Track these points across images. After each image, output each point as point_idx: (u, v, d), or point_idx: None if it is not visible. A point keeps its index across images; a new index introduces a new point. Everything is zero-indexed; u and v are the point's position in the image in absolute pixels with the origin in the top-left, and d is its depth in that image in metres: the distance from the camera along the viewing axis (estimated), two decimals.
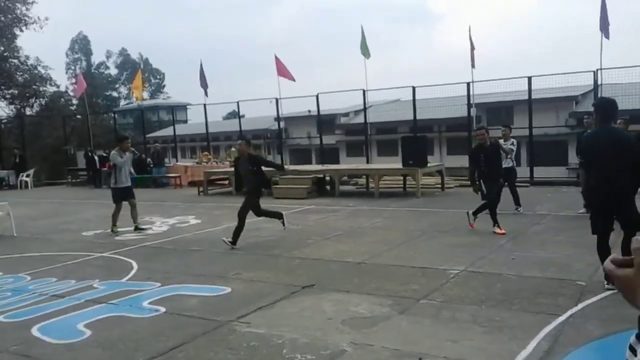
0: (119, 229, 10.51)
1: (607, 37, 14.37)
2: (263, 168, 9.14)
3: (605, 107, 5.57)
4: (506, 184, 10.33)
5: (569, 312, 4.87)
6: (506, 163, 10.45)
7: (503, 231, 8.58)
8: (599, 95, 14.82)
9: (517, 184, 11.20)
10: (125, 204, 10.69)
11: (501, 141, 10.63)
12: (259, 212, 9.10)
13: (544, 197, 12.83)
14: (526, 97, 16.58)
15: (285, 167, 10.86)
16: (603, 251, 5.43)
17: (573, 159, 11.99)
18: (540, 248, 7.60)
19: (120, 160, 10.42)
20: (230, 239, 8.49)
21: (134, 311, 5.51)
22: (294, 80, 20.12)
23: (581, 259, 6.83)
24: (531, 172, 16.17)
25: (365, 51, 19.08)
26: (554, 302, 5.21)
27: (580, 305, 5.04)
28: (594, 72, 15.06)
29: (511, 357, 3.99)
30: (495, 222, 8.75)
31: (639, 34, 67.61)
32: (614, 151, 5.26)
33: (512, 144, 10.86)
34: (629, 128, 9.32)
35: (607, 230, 5.54)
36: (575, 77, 16.73)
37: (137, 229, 10.60)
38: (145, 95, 26.78)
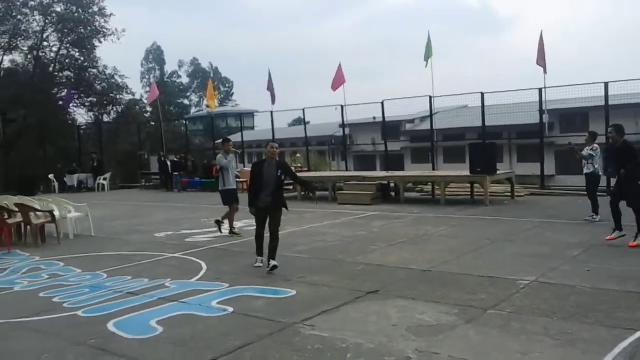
0: (236, 231, 10.59)
1: None
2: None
3: None
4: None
5: None
6: (586, 168, 10.49)
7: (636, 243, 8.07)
8: None
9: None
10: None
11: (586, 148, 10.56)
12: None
13: (622, 205, 12.18)
14: (602, 103, 15.85)
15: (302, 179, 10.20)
16: None
17: None
18: (619, 260, 7.23)
19: (225, 161, 10.41)
20: (260, 261, 7.67)
21: (204, 310, 5.68)
22: (334, 89, 20.28)
23: None
24: (608, 180, 15.41)
25: (427, 55, 18.82)
26: (632, 316, 4.95)
27: None
28: None
29: None
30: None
31: None
32: None
33: (592, 149, 10.48)
34: None
35: None
36: None
37: (231, 233, 10.56)
38: (215, 103, 27.48)
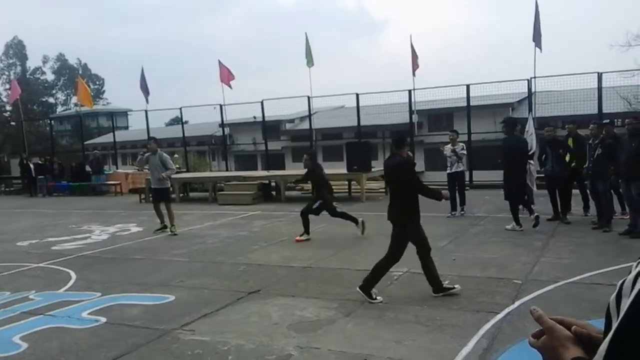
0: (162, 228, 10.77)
1: (540, 48, 15.07)
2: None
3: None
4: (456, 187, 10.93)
5: (507, 310, 5.06)
6: (457, 167, 10.99)
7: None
8: (534, 102, 15.54)
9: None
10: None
11: (448, 146, 11.06)
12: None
13: (481, 200, 13.27)
14: (465, 104, 17.12)
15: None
16: None
17: None
18: (480, 249, 7.86)
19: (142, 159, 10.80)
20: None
21: (73, 322, 5.33)
22: (229, 84, 20.07)
23: (518, 258, 7.12)
24: (470, 175, 16.67)
25: (309, 59, 19.24)
26: (493, 300, 5.40)
27: (516, 303, 5.25)
28: (527, 80, 15.74)
29: (452, 355, 4.11)
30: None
31: (567, 43, 71.10)
32: None
33: (463, 148, 11.16)
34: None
35: None
36: (511, 85, 17.43)
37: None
38: (91, 100, 25.66)
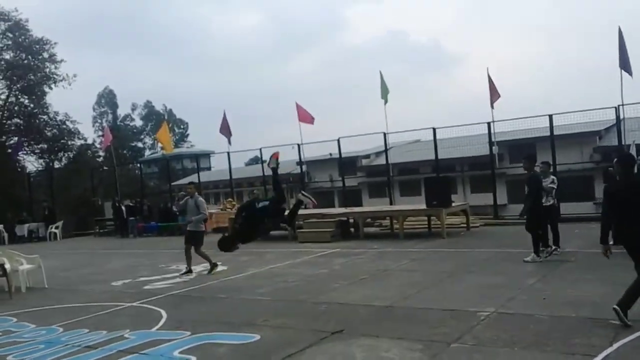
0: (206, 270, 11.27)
1: (630, 73, 14.43)
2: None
3: None
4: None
5: (604, 353, 4.77)
6: (546, 201, 10.16)
7: None
8: (623, 129, 14.80)
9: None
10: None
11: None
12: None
13: (571, 233, 12.63)
14: (548, 134, 16.55)
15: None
16: None
17: (600, 193, 11.85)
18: (572, 287, 7.47)
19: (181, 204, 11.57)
20: None
21: None
22: (312, 122, 20.57)
23: (614, 297, 6.69)
24: (558, 208, 15.97)
25: (384, 95, 19.39)
26: (588, 342, 5.10)
27: (615, 345, 4.93)
28: (615, 107, 15.06)
29: None
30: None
31: None
32: None
33: (553, 181, 10.46)
34: None
35: None
36: (598, 113, 16.69)
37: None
38: (171, 145, 27.23)
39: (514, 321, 6.01)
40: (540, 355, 4.88)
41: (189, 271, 11.14)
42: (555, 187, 10.43)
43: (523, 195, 11.55)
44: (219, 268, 11.21)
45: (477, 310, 6.51)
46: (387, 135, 19.13)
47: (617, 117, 15.14)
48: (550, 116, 16.25)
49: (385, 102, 19.44)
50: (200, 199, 11.43)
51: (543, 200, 10.09)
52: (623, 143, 13.79)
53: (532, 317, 6.10)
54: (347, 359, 5.19)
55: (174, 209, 11.52)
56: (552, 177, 10.59)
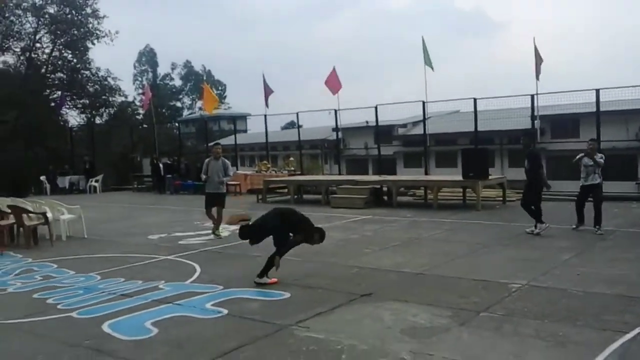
0: (220, 232, 10.83)
1: None
2: None
3: None
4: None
5: (636, 330, 4.69)
6: (593, 179, 9.94)
7: None
8: None
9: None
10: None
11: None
12: None
13: (611, 213, 12.32)
14: (594, 110, 16.00)
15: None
16: None
17: None
18: (608, 264, 7.33)
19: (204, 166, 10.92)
20: None
21: (198, 312, 5.71)
22: (337, 90, 20.41)
23: None
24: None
25: (428, 62, 18.98)
26: (621, 319, 5.02)
27: None
28: None
29: None
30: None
31: None
32: None
33: (601, 158, 10.06)
34: None
35: None
36: None
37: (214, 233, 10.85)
38: (215, 106, 27.43)
39: (546, 295, 5.95)
40: (571, 329, 4.83)
41: (217, 234, 10.78)
42: (601, 165, 9.93)
43: (563, 171, 11.31)
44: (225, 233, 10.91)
45: (508, 282, 6.46)
46: (425, 104, 18.81)
47: None
48: (597, 90, 15.66)
49: (432, 69, 19.04)
50: (227, 161, 11.09)
51: (589, 179, 9.91)
52: None
53: (565, 291, 6.03)
54: (375, 321, 5.25)
55: (202, 177, 10.98)
56: (599, 154, 10.16)
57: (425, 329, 4.97)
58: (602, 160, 9.99)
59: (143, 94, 36.15)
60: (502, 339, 4.65)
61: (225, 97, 76.22)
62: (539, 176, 10.09)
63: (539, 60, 17.20)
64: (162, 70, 74.83)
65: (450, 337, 4.75)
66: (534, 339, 4.64)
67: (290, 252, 8.93)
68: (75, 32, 33.29)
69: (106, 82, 34.79)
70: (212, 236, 10.69)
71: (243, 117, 49.50)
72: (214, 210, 10.80)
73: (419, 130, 24.17)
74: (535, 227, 9.84)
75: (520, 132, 20.52)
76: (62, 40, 33.44)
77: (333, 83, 20.92)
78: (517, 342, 4.57)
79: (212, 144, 11.56)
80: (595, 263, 7.47)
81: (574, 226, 10.09)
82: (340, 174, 23.40)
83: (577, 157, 10.19)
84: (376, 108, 20.27)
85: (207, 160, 11.01)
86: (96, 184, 25.50)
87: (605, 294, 5.89)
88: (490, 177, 14.93)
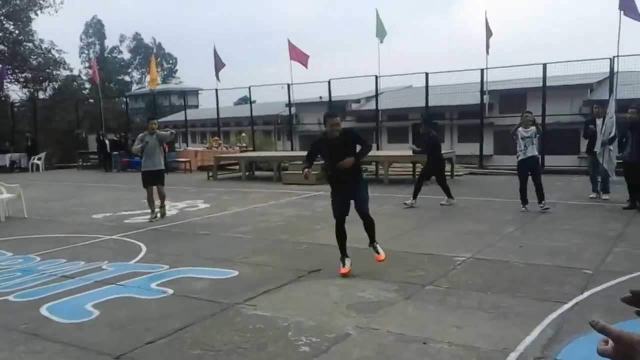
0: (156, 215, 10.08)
1: (632, 16, 13.60)
2: None
3: None
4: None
5: (575, 300, 4.85)
6: (531, 151, 9.66)
7: None
8: (615, 83, 14.63)
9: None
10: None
11: (521, 129, 9.69)
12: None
13: (553, 186, 12.72)
14: (540, 85, 16.39)
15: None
16: None
17: (584, 147, 11.85)
18: (549, 237, 7.56)
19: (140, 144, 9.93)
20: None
21: (142, 292, 5.57)
22: (306, 65, 20.15)
23: (590, 248, 6.81)
24: (542, 160, 16.04)
25: (381, 33, 18.83)
26: (561, 290, 5.19)
27: (585, 294, 5.02)
28: (610, 59, 14.83)
29: (515, 343, 3.99)
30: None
31: None
32: None
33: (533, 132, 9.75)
34: None
35: None
36: (592, 64, 16.51)
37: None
38: (158, 80, 26.78)
39: (489, 267, 6.09)
40: (513, 300, 4.96)
41: (155, 215, 10.08)
42: (530, 137, 9.61)
43: (510, 146, 11.52)
44: (202, 206, 10.80)
45: (454, 256, 6.58)
46: (378, 78, 18.83)
47: (611, 69, 14.95)
48: (544, 65, 16.04)
49: (381, 41, 18.95)
50: (161, 132, 10.29)
51: (528, 152, 9.59)
52: (610, 99, 13.66)
53: (508, 263, 6.19)
54: (322, 297, 5.25)
55: (133, 151, 10.29)
56: (532, 127, 9.75)
57: (371, 304, 5.00)
58: (535, 129, 9.67)
59: (90, 67, 34.84)
60: (446, 311, 4.73)
61: (176, 71, 74.44)
62: (438, 161, 11.07)
63: (489, 33, 17.41)
64: (110, 42, 72.22)
65: (396, 311, 4.80)
66: (477, 310, 4.74)
67: (240, 229, 8.88)
68: (17, 1, 31.60)
69: (50, 55, 33.24)
70: (158, 216, 10.30)
71: (194, 92, 48.47)
72: (155, 190, 10.03)
73: (371, 105, 24.23)
74: (414, 199, 10.73)
75: (471, 107, 20.90)
76: (3, 10, 31.67)
77: (299, 56, 20.53)
78: (461, 314, 4.66)
79: (149, 118, 10.50)
80: (537, 235, 7.69)
81: (522, 209, 9.71)
82: (293, 150, 23.29)
83: (513, 128, 9.86)
84: (329, 83, 20.19)
85: (140, 135, 10.07)
86: (39, 162, 24.53)
87: (546, 265, 6.07)
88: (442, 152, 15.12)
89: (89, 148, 25.52)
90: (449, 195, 10.77)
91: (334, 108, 23.07)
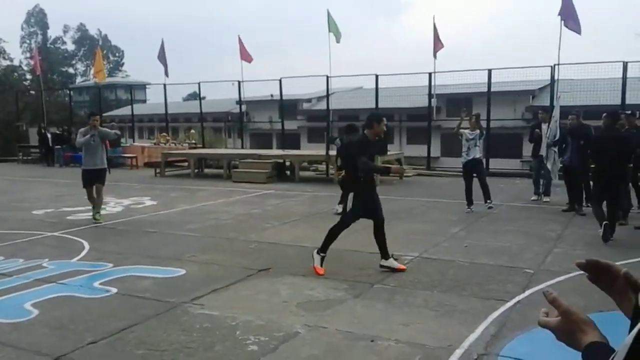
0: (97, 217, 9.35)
1: (577, 31, 14.14)
2: None
3: None
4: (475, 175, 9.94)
5: (516, 299, 5.02)
6: (475, 153, 9.83)
7: None
8: (556, 90, 15.21)
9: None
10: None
11: (467, 130, 9.91)
12: None
13: (497, 188, 13.10)
14: (485, 90, 16.87)
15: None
16: None
17: (527, 151, 12.30)
18: (492, 237, 7.79)
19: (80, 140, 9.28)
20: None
21: (85, 291, 5.40)
22: (249, 60, 20.10)
23: (531, 248, 7.06)
24: (487, 163, 16.51)
25: (336, 33, 18.83)
26: (503, 288, 5.36)
27: (527, 292, 5.20)
28: (551, 67, 15.42)
29: (460, 340, 4.09)
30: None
31: (596, 32, 69.60)
32: None
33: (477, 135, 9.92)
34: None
35: None
36: (534, 71, 17.13)
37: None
38: (105, 74, 25.97)
39: (435, 266, 6.22)
40: (457, 298, 5.08)
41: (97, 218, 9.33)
42: (474, 139, 9.82)
43: (456, 147, 11.77)
44: (149, 203, 10.52)
45: (402, 255, 6.68)
46: (329, 79, 18.89)
47: (552, 76, 15.54)
48: (489, 71, 16.54)
49: (337, 41, 18.91)
50: (104, 128, 9.73)
51: (471, 153, 9.80)
52: (554, 104, 14.18)
53: (453, 262, 6.34)
54: (271, 295, 5.23)
55: (78, 145, 9.55)
56: (477, 130, 9.94)
57: (320, 302, 5.02)
58: (469, 136, 9.82)
59: (32, 57, 33.48)
60: (393, 310, 4.81)
61: (122, 64, 72.54)
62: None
63: (437, 43, 17.77)
64: (53, 33, 69.64)
65: (345, 309, 4.84)
66: (423, 308, 4.83)
67: (189, 227, 8.74)
68: None
69: None
70: (103, 212, 9.88)
71: (142, 86, 47.30)
72: (94, 189, 9.35)
73: (323, 105, 24.32)
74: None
75: (419, 110, 21.27)
76: None
77: (245, 54, 20.47)
78: (407, 312, 4.74)
79: (89, 114, 9.83)
80: (481, 235, 7.91)
81: (468, 210, 9.92)
82: (243, 147, 23.10)
83: (456, 125, 9.95)
84: (280, 81, 20.13)
85: (82, 130, 9.39)
86: None
87: (489, 265, 6.26)
88: (388, 153, 15.33)
89: (30, 141, 24.50)
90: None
91: (285, 107, 23.04)
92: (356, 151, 6.06)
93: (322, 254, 6.07)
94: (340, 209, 9.53)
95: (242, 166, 16.28)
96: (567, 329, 0.97)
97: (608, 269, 0.99)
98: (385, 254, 6.10)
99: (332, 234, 6.14)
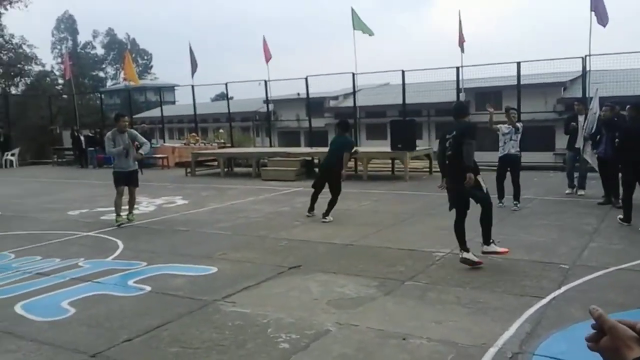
0: (122, 218, 9.26)
1: (602, 24, 14.08)
2: None
3: None
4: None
5: (552, 295, 4.91)
6: (512, 148, 9.60)
7: None
8: (588, 81, 14.87)
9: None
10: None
11: (504, 125, 9.60)
12: None
13: (530, 181, 12.87)
14: (515, 83, 16.57)
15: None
16: None
17: (560, 144, 12.04)
18: (526, 232, 7.65)
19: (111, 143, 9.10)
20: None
21: (119, 290, 5.49)
22: (268, 59, 20.29)
23: (566, 243, 6.91)
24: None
25: (365, 29, 18.72)
26: (538, 284, 5.25)
27: (563, 289, 5.09)
28: (582, 58, 15.06)
29: (494, 338, 4.03)
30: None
31: (628, 22, 67.72)
32: None
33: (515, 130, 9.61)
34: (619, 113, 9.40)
35: None
36: (565, 63, 16.75)
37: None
38: (136, 76, 26.34)
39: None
40: (490, 295, 5.00)
41: (119, 217, 9.21)
42: (509, 134, 9.59)
43: (487, 142, 11.60)
44: (180, 202, 10.60)
45: (433, 251, 6.62)
46: (355, 76, 18.80)
47: (584, 67, 15.17)
48: (518, 63, 16.21)
49: (369, 34, 18.78)
50: (133, 131, 9.65)
51: (507, 148, 9.57)
52: (587, 95, 13.85)
53: (486, 258, 6.23)
54: (302, 293, 5.23)
55: (110, 154, 9.40)
56: (518, 124, 9.66)
57: (351, 300, 5.00)
58: (519, 126, 9.61)
59: (62, 62, 34.25)
60: (425, 307, 4.76)
61: (151, 67, 73.60)
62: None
63: (461, 37, 17.55)
64: (82, 38, 71.04)
65: (376, 307, 4.81)
66: (456, 305, 4.77)
67: (219, 225, 8.82)
68: None
69: (21, 50, 32.57)
70: (136, 211, 9.96)
71: (170, 88, 48.00)
72: (126, 190, 9.29)
73: (349, 102, 24.24)
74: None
75: (448, 104, 20.99)
76: None
77: (267, 54, 20.69)
78: (439, 309, 4.68)
79: (116, 116, 9.62)
80: (513, 230, 7.78)
81: (500, 204, 9.53)
82: (271, 146, 23.19)
83: (488, 120, 9.56)
84: (306, 79, 20.12)
85: (109, 134, 9.25)
86: (12, 158, 24.04)
87: (523, 260, 6.14)
88: (417, 149, 15.23)
89: (64, 144, 25.04)
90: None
91: (312, 105, 23.04)
92: (472, 137, 6.60)
93: (491, 241, 6.16)
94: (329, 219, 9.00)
95: (270, 164, 16.35)
96: (613, 346, 0.95)
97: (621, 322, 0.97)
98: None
99: (488, 220, 6.23)
